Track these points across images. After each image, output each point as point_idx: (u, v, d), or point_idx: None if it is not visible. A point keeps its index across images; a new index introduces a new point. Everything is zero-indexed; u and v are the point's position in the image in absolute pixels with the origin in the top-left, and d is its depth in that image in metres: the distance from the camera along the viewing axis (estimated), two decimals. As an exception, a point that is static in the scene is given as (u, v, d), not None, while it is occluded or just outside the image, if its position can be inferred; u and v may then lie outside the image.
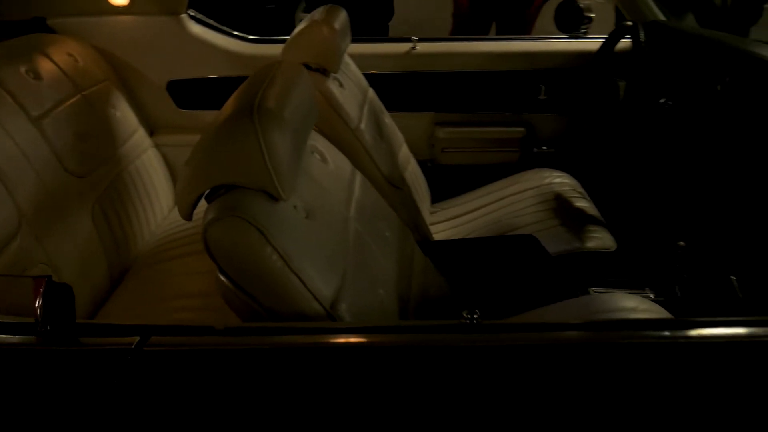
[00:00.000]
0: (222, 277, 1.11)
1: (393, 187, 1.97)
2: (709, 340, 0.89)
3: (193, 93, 2.45)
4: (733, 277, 1.81)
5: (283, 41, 2.44)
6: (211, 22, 2.45)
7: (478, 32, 4.45)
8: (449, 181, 2.56)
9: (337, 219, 1.34)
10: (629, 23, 2.16)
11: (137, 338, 0.83)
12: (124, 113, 2.21)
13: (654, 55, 2.08)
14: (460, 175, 2.61)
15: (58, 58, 2.01)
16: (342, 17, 2.06)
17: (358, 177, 1.61)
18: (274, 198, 1.13)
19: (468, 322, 0.90)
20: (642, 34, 2.03)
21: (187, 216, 1.17)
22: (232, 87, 2.43)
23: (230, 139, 1.12)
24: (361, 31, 2.55)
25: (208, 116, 2.44)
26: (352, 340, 0.87)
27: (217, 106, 2.42)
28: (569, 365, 0.86)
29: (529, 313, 1.68)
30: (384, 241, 1.51)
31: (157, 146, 2.34)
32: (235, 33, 2.48)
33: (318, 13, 2.03)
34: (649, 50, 2.03)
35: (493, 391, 0.83)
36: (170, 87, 2.42)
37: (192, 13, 2.39)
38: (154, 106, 2.41)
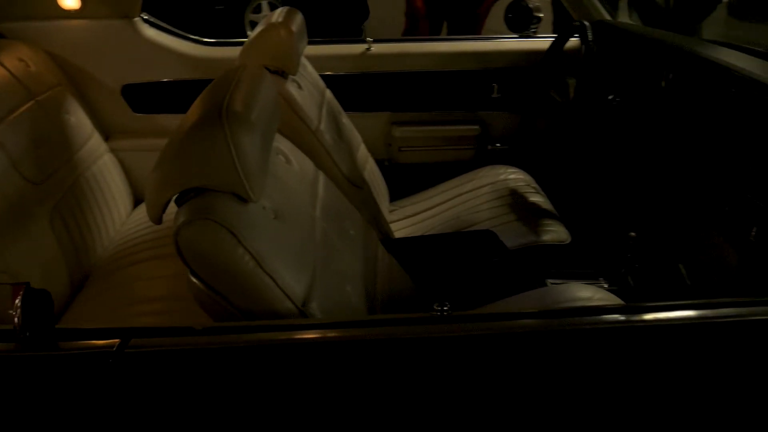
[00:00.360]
0: (194, 280, 1.12)
1: (354, 186, 2.00)
2: (662, 323, 0.95)
3: (148, 97, 2.43)
4: (681, 265, 1.90)
5: (238, 44, 2.45)
6: (165, 25, 2.43)
7: (431, 31, 4.52)
8: (407, 179, 2.61)
9: (304, 219, 1.36)
10: (577, 23, 2.24)
11: (118, 341, 0.85)
12: (79, 118, 2.19)
13: (602, 54, 2.16)
14: (417, 173, 2.65)
15: (10, 64, 1.98)
16: (299, 19, 2.08)
17: (321, 177, 1.64)
18: (244, 200, 1.15)
19: (439, 314, 0.94)
20: (590, 33, 2.10)
21: (157, 220, 1.18)
22: (188, 90, 2.43)
23: (199, 143, 1.13)
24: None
25: (165, 120, 2.44)
26: (330, 335, 0.90)
27: (174, 109, 2.44)
28: (536, 351, 0.90)
29: (490, 306, 1.73)
30: (349, 239, 1.54)
31: (113, 151, 2.32)
32: (190, 36, 2.48)
33: (275, 16, 2.05)
34: (597, 49, 2.11)
35: (468, 379, 0.87)
36: (125, 91, 2.40)
37: (145, 17, 2.37)
38: (109, 111, 2.39)
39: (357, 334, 0.88)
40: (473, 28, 4.68)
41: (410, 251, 1.88)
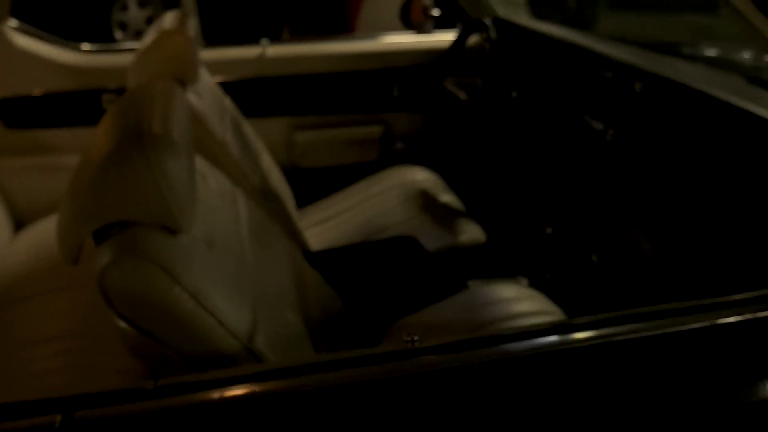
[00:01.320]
0: (124, 325, 1.00)
1: (266, 197, 1.90)
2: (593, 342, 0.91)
3: (23, 111, 2.20)
4: (594, 256, 1.94)
5: (121, 51, 2.27)
6: (38, 32, 2.21)
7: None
8: (311, 184, 2.52)
9: (234, 243, 1.26)
10: (478, 20, 2.24)
11: (59, 416, 0.72)
12: (-56, 139, 1.95)
13: (503, 52, 2.17)
14: (321, 177, 2.58)
15: None
16: (192, 23, 1.94)
17: (239, 193, 1.53)
18: (173, 231, 1.04)
19: (411, 344, 0.88)
20: (493, 31, 2.11)
21: (72, 260, 1.04)
22: (68, 102, 2.23)
23: (120, 171, 1.00)
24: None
25: (44, 136, 2.23)
26: (301, 383, 0.81)
27: (53, 123, 2.23)
28: (519, 376, 0.86)
29: (419, 314, 1.69)
30: (278, 258, 1.44)
31: None
32: (68, 43, 2.26)
33: (166, 21, 1.90)
34: (499, 47, 2.12)
35: (456, 412, 0.81)
36: None
37: (15, 24, 2.14)
38: None
39: (340, 378, 0.80)
40: (344, 26, 4.60)
41: (333, 264, 1.81)
